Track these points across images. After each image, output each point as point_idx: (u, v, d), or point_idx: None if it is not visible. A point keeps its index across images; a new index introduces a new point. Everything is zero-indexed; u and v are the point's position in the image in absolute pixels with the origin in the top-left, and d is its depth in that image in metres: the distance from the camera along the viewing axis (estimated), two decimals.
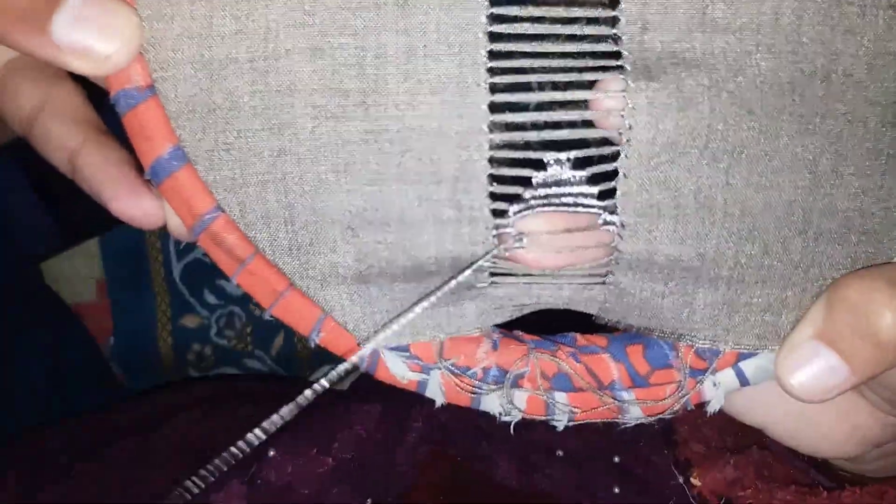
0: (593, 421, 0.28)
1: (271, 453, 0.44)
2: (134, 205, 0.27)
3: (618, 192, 0.25)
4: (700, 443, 0.35)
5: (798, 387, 0.25)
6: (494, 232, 0.25)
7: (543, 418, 0.28)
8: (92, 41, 0.23)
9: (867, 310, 0.25)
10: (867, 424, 0.30)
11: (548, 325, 0.29)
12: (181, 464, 0.44)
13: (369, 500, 0.38)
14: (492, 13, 0.24)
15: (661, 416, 0.28)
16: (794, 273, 0.26)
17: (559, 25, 0.24)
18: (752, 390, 0.28)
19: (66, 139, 0.27)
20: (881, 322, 0.24)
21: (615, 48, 0.24)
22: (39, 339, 0.55)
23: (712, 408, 0.28)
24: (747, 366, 0.28)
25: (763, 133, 0.25)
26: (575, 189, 0.25)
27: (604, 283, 0.26)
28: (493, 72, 0.24)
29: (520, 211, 0.25)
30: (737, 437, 0.36)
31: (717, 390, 0.28)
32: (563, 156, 0.25)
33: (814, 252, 0.26)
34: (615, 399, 0.28)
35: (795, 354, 0.26)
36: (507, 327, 0.28)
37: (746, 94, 0.25)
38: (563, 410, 0.28)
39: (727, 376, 0.28)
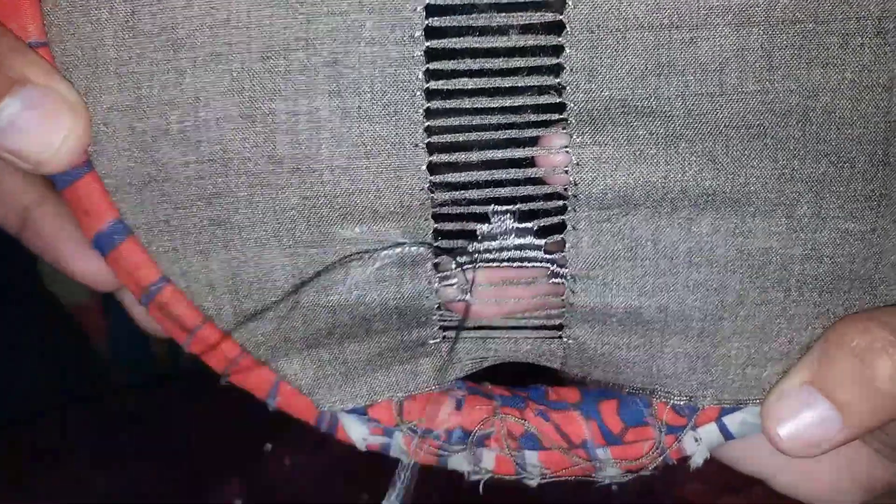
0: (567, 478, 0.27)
1: (268, 447, 0.44)
2: (90, 266, 0.26)
3: (567, 246, 0.23)
4: (699, 481, 0.33)
5: (786, 439, 0.24)
6: (437, 285, 0.24)
7: (514, 477, 0.27)
8: (28, 148, 0.22)
9: (865, 356, 0.23)
10: (872, 473, 0.27)
11: (520, 371, 0.28)
12: (173, 459, 0.44)
13: (365, 496, 0.38)
14: (428, 69, 0.22)
15: (639, 473, 0.27)
16: (775, 323, 0.24)
17: (499, 78, 0.22)
18: (744, 440, 0.27)
19: (22, 195, 0.27)
20: (881, 370, 0.22)
21: (559, 100, 0.22)
22: (35, 340, 0.55)
23: (695, 463, 0.27)
24: (731, 420, 0.26)
25: (729, 180, 0.23)
26: (520, 241, 0.24)
27: (560, 337, 0.25)
28: (430, 131, 0.23)
29: (462, 265, 0.24)
30: (739, 473, 0.34)
31: (700, 446, 0.26)
32: (507, 209, 0.23)
33: (798, 301, 0.24)
34: (589, 457, 0.26)
35: (784, 402, 0.24)
36: (476, 375, 0.27)
37: (708, 141, 0.23)
38: (534, 472, 0.26)
39: (709, 431, 0.26)
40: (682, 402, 0.26)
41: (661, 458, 0.26)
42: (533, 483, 0.27)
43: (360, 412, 0.26)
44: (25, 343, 0.54)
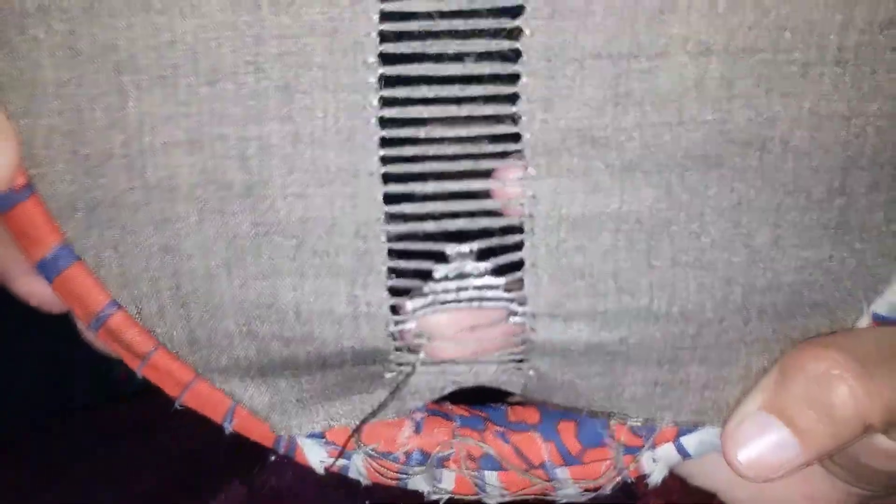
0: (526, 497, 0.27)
1: (272, 458, 0.44)
2: (38, 289, 0.25)
3: (525, 283, 0.23)
4: (661, 497, 0.33)
5: (745, 463, 0.24)
6: (394, 328, 0.23)
7: (474, 497, 0.27)
8: None
9: (822, 381, 0.23)
10: (826, 495, 0.28)
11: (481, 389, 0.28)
12: (176, 466, 0.44)
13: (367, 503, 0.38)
14: (383, 96, 0.22)
15: (597, 493, 0.27)
16: (733, 349, 0.24)
17: (455, 107, 0.22)
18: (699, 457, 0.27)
19: None
20: (836, 394, 0.22)
21: (515, 129, 0.22)
22: (40, 337, 0.55)
23: (653, 481, 0.27)
24: (689, 441, 0.26)
25: (685, 211, 0.23)
26: (479, 282, 0.23)
27: (520, 369, 0.25)
28: (386, 160, 0.22)
29: (420, 308, 0.23)
30: (702, 490, 0.34)
31: (657, 465, 0.26)
32: (465, 248, 0.23)
33: (757, 327, 0.24)
34: (549, 478, 0.26)
35: (743, 427, 0.24)
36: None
37: (664, 172, 0.22)
38: (494, 492, 0.26)
39: (667, 451, 0.26)
40: (639, 424, 0.26)
41: (619, 477, 0.26)
42: (492, 502, 0.27)
43: (318, 435, 0.26)
44: (29, 339, 0.53)
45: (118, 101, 0.22)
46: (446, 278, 0.23)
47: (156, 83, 0.22)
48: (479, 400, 0.28)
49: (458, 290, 0.23)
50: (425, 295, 0.23)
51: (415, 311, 0.23)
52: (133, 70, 0.22)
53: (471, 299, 0.23)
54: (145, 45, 0.21)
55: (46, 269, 0.24)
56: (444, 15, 0.21)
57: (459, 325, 0.23)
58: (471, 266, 0.23)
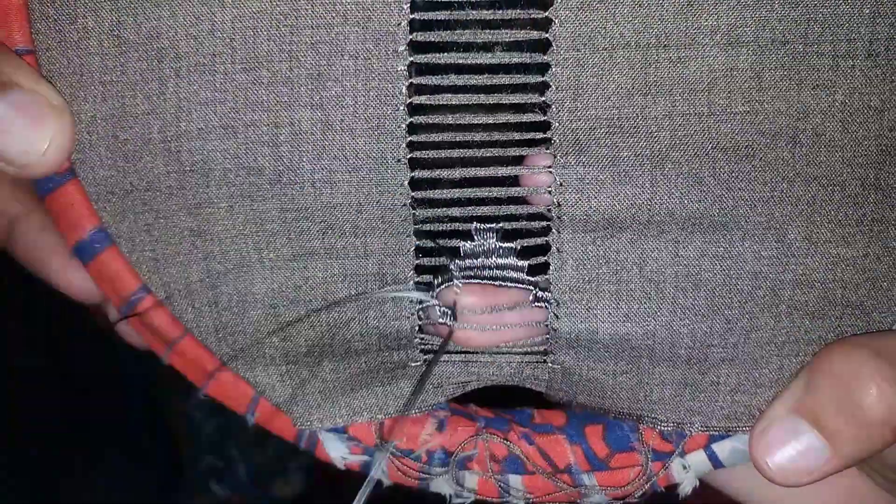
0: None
1: None
2: (74, 278, 0.26)
3: (550, 268, 0.23)
4: None
5: (776, 469, 0.23)
6: (419, 306, 0.23)
7: (498, 501, 0.26)
8: (13, 151, 0.22)
9: (851, 383, 0.22)
10: (869, 502, 0.27)
11: (507, 393, 0.27)
12: None
13: None
14: (411, 83, 0.22)
15: (625, 500, 0.26)
16: (765, 350, 0.24)
17: (484, 95, 0.22)
18: (736, 468, 0.26)
19: (7, 206, 0.27)
20: (866, 397, 0.22)
21: (544, 118, 0.22)
22: (47, 330, 0.55)
23: (683, 491, 0.26)
24: (721, 448, 0.25)
25: (716, 202, 0.22)
26: (503, 261, 0.23)
27: (545, 362, 0.24)
28: (413, 146, 0.22)
29: (443, 283, 0.23)
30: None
31: (688, 473, 0.26)
32: (490, 227, 0.23)
33: (788, 327, 0.24)
34: (574, 483, 0.26)
35: (772, 431, 0.23)
36: (463, 397, 0.27)
37: (694, 163, 0.22)
38: (518, 496, 0.26)
39: (698, 459, 0.25)
40: (669, 429, 0.25)
41: (649, 485, 0.25)
42: None
43: (340, 430, 0.26)
44: (36, 334, 0.54)
45: (158, 87, 0.23)
46: (472, 254, 0.23)
47: (194, 70, 0.22)
48: (504, 405, 0.28)
49: (482, 268, 0.23)
50: (450, 272, 0.23)
51: (439, 285, 0.23)
52: (174, 57, 0.22)
53: (493, 279, 0.23)
54: (186, 33, 0.22)
55: (82, 253, 0.24)
56: (474, 5, 0.22)
57: (483, 304, 0.23)
58: (495, 245, 0.23)
